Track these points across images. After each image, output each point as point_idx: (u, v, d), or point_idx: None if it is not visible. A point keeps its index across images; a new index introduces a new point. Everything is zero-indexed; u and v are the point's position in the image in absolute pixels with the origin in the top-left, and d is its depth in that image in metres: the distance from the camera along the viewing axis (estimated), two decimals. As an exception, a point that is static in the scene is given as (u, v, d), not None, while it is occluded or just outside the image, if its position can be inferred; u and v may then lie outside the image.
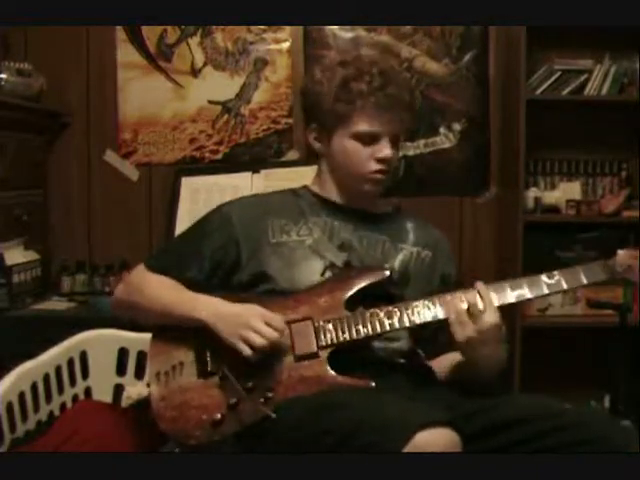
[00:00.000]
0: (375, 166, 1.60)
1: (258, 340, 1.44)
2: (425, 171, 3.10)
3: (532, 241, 2.81)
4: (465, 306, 1.42)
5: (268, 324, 1.45)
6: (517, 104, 2.83)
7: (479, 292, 1.45)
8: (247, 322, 1.45)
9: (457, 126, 3.09)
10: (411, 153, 3.09)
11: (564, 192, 2.98)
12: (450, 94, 3.08)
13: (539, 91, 2.93)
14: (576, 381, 2.95)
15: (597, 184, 3.07)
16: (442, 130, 3.09)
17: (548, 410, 1.39)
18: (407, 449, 1.17)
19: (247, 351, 1.44)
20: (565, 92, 2.93)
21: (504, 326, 1.45)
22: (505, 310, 1.46)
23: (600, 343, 2.81)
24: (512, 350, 2.79)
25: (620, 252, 1.51)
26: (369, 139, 1.59)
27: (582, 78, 2.92)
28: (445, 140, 3.10)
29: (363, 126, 1.58)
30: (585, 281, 1.50)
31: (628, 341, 2.41)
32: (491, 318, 1.41)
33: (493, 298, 1.45)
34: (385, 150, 1.59)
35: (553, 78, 2.93)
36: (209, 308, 1.51)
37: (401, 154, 3.07)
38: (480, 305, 1.42)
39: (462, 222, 3.12)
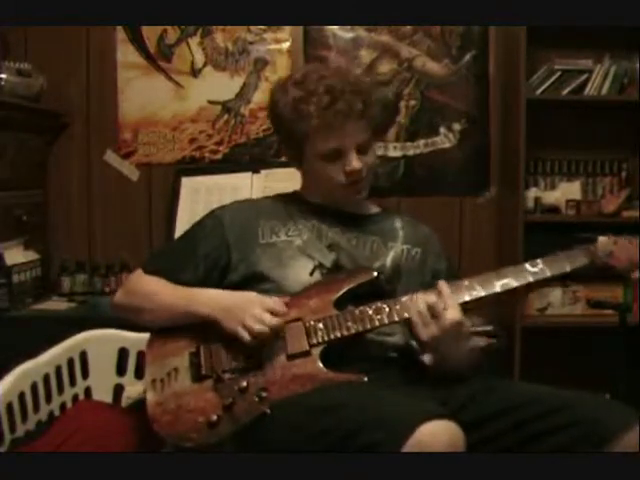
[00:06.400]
0: (346, 179, 1.62)
1: (258, 327, 1.47)
2: (425, 171, 3.10)
3: (532, 241, 2.80)
4: (426, 306, 1.44)
5: (269, 310, 1.48)
6: (517, 104, 2.83)
7: (439, 291, 1.47)
8: (248, 310, 1.48)
9: (457, 126, 3.09)
10: (411, 153, 3.09)
11: (564, 192, 2.98)
12: (450, 94, 3.08)
13: (539, 91, 2.93)
14: (576, 381, 2.94)
15: (597, 184, 3.07)
16: (442, 130, 3.09)
17: (538, 395, 1.40)
18: (411, 443, 1.17)
19: (247, 337, 1.47)
20: (565, 92, 2.93)
21: (467, 322, 1.47)
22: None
23: (600, 343, 2.81)
24: (512, 350, 2.79)
25: (601, 238, 1.55)
26: (334, 155, 1.61)
27: (582, 78, 2.92)
28: (445, 140, 3.10)
29: (321, 146, 1.60)
30: (568, 268, 1.54)
31: (628, 341, 2.41)
32: (452, 315, 1.44)
33: (479, 290, 1.49)
34: (352, 163, 1.60)
35: (553, 78, 2.93)
36: (210, 302, 1.55)
37: (401, 154, 3.08)
38: (441, 304, 1.44)
39: (462, 222, 3.12)
